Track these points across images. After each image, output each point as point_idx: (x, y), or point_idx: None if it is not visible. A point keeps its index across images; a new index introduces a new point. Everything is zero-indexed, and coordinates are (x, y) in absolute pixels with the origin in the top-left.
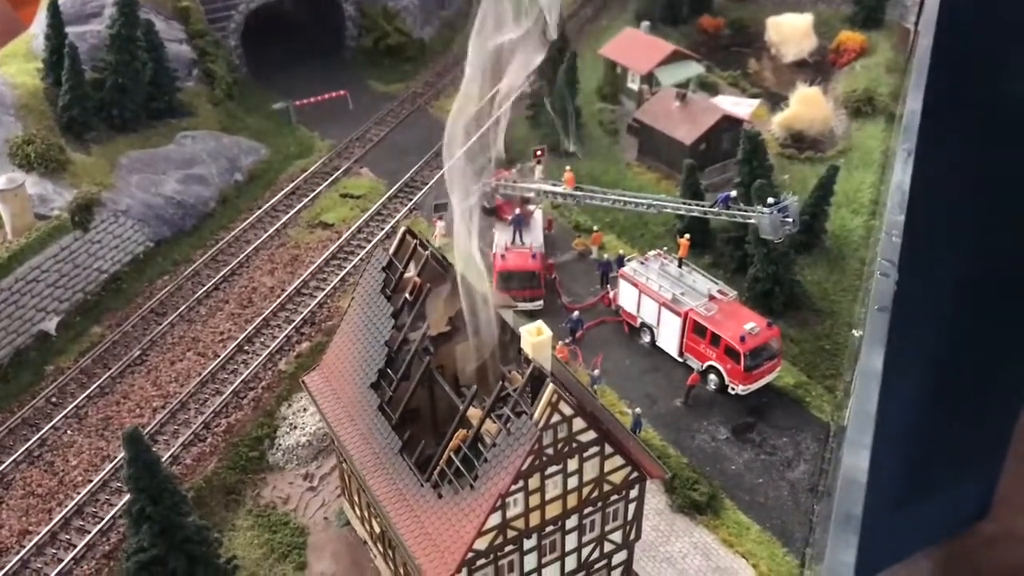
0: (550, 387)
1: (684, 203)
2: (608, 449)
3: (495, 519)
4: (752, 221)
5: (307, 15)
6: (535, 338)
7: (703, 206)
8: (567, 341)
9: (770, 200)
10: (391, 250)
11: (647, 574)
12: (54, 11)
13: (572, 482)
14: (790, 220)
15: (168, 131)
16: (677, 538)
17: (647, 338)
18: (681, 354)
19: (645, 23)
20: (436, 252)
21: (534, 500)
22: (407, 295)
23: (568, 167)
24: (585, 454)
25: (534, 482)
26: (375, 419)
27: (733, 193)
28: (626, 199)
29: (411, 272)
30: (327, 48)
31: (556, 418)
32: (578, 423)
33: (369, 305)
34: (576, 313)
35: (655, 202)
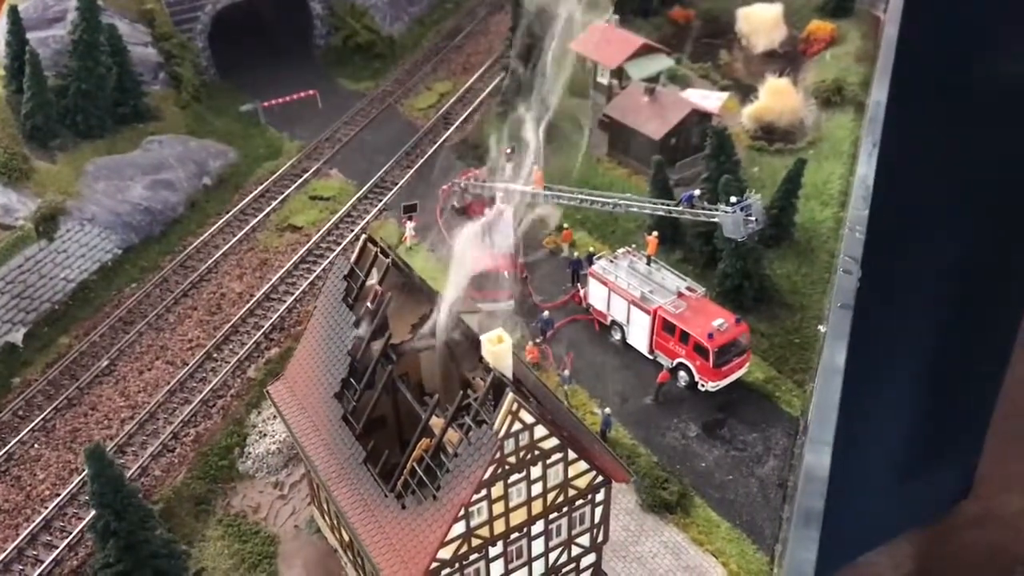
0: (509, 396)
1: (650, 202)
2: (572, 455)
3: (459, 528)
4: (716, 220)
5: (275, 15)
6: (495, 346)
7: (668, 205)
8: (538, 341)
9: (733, 199)
10: (352, 258)
11: (617, 574)
12: (14, 17)
13: (536, 489)
14: (753, 219)
15: (135, 136)
16: (647, 537)
17: (617, 336)
18: (651, 352)
19: (614, 16)
20: (398, 259)
21: (498, 508)
22: (369, 303)
23: (536, 165)
24: (548, 460)
25: (497, 490)
26: (339, 429)
27: (697, 192)
28: (593, 198)
29: (373, 280)
30: (296, 47)
31: (517, 426)
32: (540, 430)
33: (331, 314)
34: (546, 312)
35: (621, 201)
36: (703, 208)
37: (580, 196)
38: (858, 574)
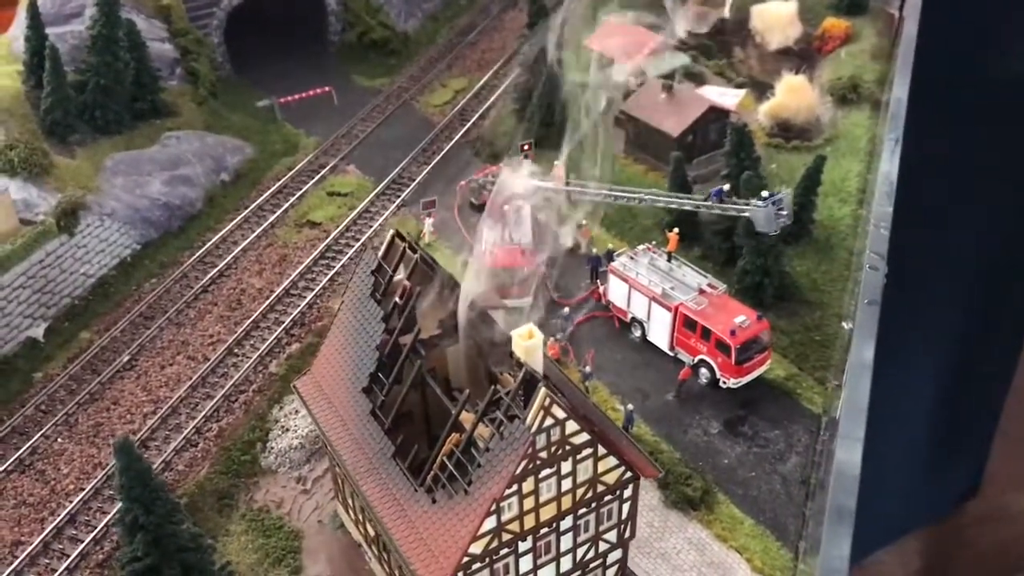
0: (542, 391)
1: (677, 197)
2: (601, 450)
3: (490, 523)
4: (746, 215)
5: (289, 11)
6: (526, 341)
7: (695, 200)
8: (558, 337)
9: (764, 193)
10: (380, 253)
11: (642, 571)
12: (33, 12)
13: (566, 484)
14: (784, 213)
15: (152, 132)
16: (671, 534)
17: (638, 333)
18: (672, 348)
19: (630, 13)
20: (425, 254)
21: (528, 503)
22: (397, 298)
23: (557, 161)
24: (578, 456)
25: (528, 485)
26: (367, 424)
27: (726, 187)
28: (617, 193)
29: (401, 275)
30: (310, 44)
31: (549, 421)
32: (571, 425)
33: (359, 309)
34: (566, 309)
35: (647, 196)
36: (732, 203)
37: (605, 191)
38: (866, 572)
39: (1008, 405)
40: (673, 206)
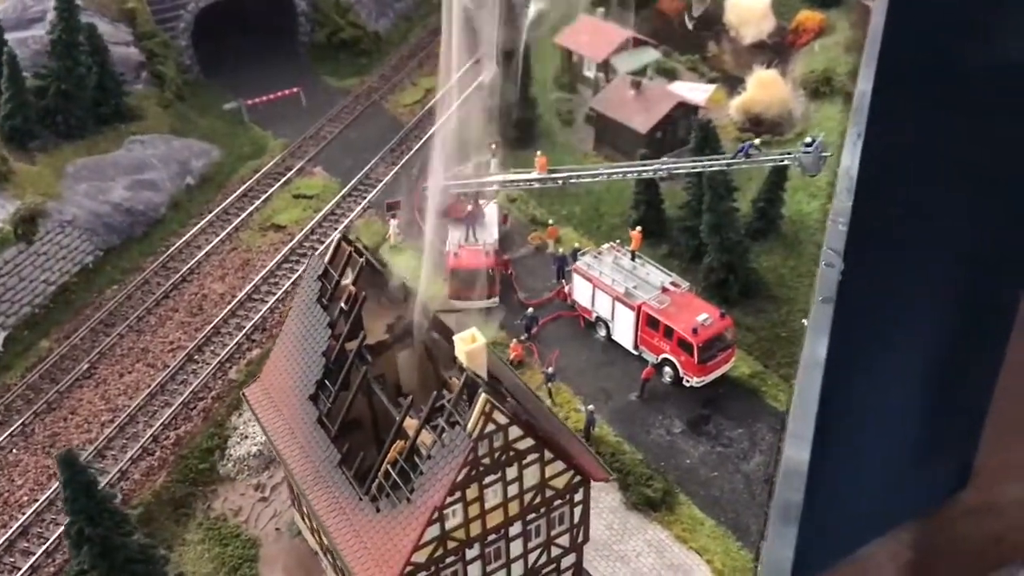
0: (482, 397)
1: (699, 161)
2: (548, 455)
3: (433, 531)
4: (787, 163)
5: (259, 12)
6: (469, 345)
7: (724, 159)
8: (523, 338)
9: (807, 140)
10: (326, 258)
11: (600, 574)
12: None
13: (512, 490)
14: (826, 154)
15: (116, 136)
16: (631, 536)
17: (602, 332)
18: (636, 348)
19: (600, 9)
20: (372, 258)
21: (474, 510)
22: (343, 304)
23: (539, 152)
24: (524, 461)
25: (472, 492)
26: (314, 432)
27: (757, 141)
28: (626, 170)
29: (347, 280)
30: (280, 45)
31: (491, 427)
32: (515, 431)
33: (305, 315)
34: (531, 309)
35: (663, 167)
36: (764, 155)
37: (605, 171)
38: (856, 567)
39: (997, 394)
40: (698, 170)
